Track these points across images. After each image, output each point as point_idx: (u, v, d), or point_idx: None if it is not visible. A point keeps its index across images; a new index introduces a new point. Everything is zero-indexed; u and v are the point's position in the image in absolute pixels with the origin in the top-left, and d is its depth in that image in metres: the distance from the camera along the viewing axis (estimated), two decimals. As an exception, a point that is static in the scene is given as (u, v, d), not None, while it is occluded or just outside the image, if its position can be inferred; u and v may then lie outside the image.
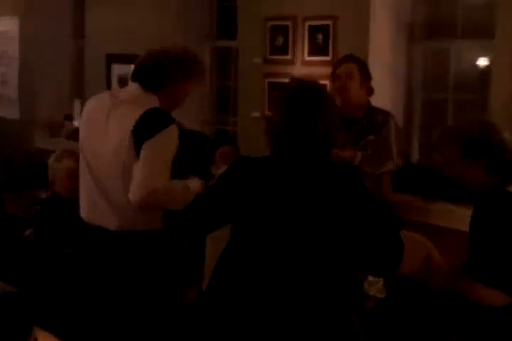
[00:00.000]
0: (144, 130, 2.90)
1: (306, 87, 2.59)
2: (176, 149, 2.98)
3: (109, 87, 6.44)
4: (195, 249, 3.81)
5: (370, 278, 3.21)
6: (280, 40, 5.34)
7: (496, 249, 2.51)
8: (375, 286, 3.20)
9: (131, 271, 3.03)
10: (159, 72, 3.06)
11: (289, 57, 5.29)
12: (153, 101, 3.03)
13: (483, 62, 4.62)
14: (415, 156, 4.94)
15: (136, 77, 3.10)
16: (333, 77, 4.14)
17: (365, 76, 4.10)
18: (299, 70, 5.22)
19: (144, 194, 2.83)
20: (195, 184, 3.04)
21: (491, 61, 4.42)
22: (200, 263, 3.91)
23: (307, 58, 5.16)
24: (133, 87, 3.09)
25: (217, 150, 4.68)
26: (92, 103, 3.18)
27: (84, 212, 3.16)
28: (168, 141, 2.93)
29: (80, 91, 7.13)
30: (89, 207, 3.12)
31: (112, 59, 6.49)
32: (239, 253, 2.53)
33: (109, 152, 2.98)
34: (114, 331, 3.05)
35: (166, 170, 2.92)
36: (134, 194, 2.86)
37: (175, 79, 3.08)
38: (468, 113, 4.68)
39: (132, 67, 3.15)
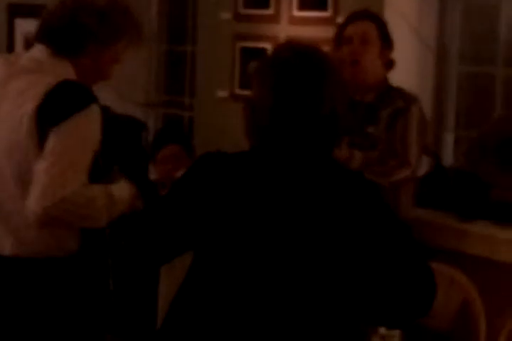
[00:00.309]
0: (51, 112, 2.88)
1: (303, 53, 2.56)
2: (98, 141, 2.98)
3: (11, 50, 6.41)
4: (135, 285, 3.86)
5: (383, 331, 3.19)
6: (259, -13, 5.40)
7: None
8: (388, 342, 3.19)
9: (29, 311, 3.05)
10: (76, 29, 3.06)
11: (270, 11, 5.32)
12: (65, 71, 3.03)
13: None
14: (449, 157, 5.00)
15: (43, 36, 3.09)
16: (339, 40, 4.13)
17: (386, 41, 4.10)
18: (284, 30, 5.25)
19: (49, 204, 2.82)
20: (122, 189, 3.07)
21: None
22: (151, 304, 3.93)
23: (296, 14, 5.20)
24: (38, 50, 3.09)
25: (159, 150, 4.68)
26: None
27: None
28: (85, 129, 2.93)
29: None
30: None
31: (15, 11, 6.46)
32: (204, 286, 2.52)
33: (1, 146, 2.99)
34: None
35: (81, 171, 2.91)
36: (35, 205, 2.84)
37: (98, 39, 3.08)
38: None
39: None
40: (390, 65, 4.14)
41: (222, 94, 5.58)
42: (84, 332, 3.13)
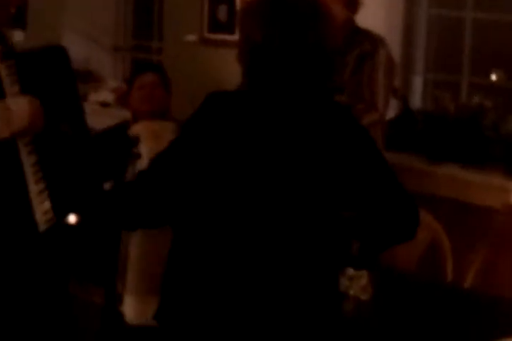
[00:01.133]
0: None
1: None
2: None
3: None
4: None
5: (351, 272, 3.20)
6: None
7: None
8: (356, 283, 3.19)
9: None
10: None
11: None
12: None
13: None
14: (417, 99, 5.02)
15: None
16: None
17: None
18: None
19: None
20: (19, 102, 3.05)
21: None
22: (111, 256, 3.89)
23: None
24: None
25: (135, 79, 4.63)
26: None
27: None
28: None
29: None
30: None
31: None
32: (199, 240, 2.54)
33: None
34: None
35: None
36: None
37: None
38: (493, 39, 4.76)
39: None
40: (354, 5, 4.12)
41: (191, 37, 5.53)
42: (50, 277, 3.16)
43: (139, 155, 3.69)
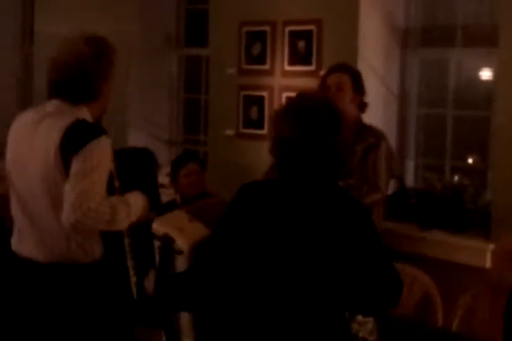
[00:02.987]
0: (71, 144, 2.87)
1: (318, 101, 2.62)
2: (109, 163, 2.95)
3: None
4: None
5: (360, 318, 3.19)
6: (257, 48, 5.39)
7: None
8: (364, 327, 3.18)
9: (65, 310, 2.98)
10: (84, 84, 3.00)
11: (267, 66, 5.33)
12: (79, 112, 2.99)
13: (486, 73, 4.69)
14: (410, 179, 4.99)
15: (55, 91, 3.03)
16: (321, 88, 4.14)
17: (359, 89, 4.12)
18: (278, 82, 5.26)
19: (79, 215, 2.80)
20: (135, 198, 3.04)
21: (495, 72, 4.47)
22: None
23: (287, 68, 5.20)
24: (58, 101, 3.02)
25: (180, 169, 4.68)
26: (17, 121, 3.13)
27: (14, 243, 3.12)
28: (99, 154, 2.90)
29: (27, 101, 7.15)
30: (18, 236, 3.09)
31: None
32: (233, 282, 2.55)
33: (35, 174, 2.95)
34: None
35: (101, 187, 2.89)
36: (68, 217, 2.82)
37: (107, 80, 3.05)
38: (470, 130, 4.74)
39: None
40: (363, 107, 4.15)
41: (230, 132, 5.54)
42: (113, 327, 3.09)
43: (181, 252, 3.41)
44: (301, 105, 2.59)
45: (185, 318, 3.59)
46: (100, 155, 2.90)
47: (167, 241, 3.40)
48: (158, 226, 3.41)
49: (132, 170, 3.19)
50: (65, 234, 2.91)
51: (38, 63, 6.99)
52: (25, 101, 7.16)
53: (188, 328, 3.57)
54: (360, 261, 2.50)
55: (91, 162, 2.86)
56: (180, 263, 3.35)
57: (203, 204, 3.78)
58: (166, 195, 4.57)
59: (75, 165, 2.85)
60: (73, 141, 2.87)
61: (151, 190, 3.22)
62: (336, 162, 2.57)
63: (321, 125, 2.53)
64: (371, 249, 2.52)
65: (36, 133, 2.98)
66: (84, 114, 2.99)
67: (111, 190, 2.96)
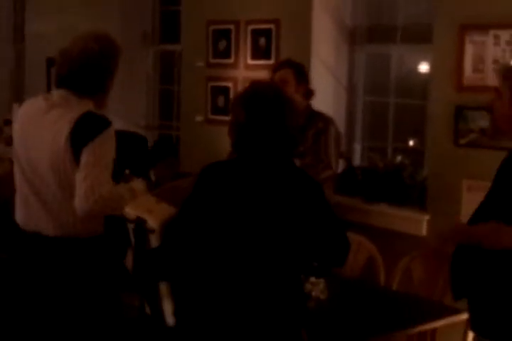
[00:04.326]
0: (82, 135, 2.79)
1: (269, 88, 2.61)
2: (114, 152, 2.88)
3: (49, 90, 6.33)
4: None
5: (313, 279, 3.22)
6: (223, 44, 5.38)
7: None
8: (317, 287, 3.21)
9: (69, 277, 2.93)
10: (99, 72, 2.92)
11: (231, 60, 5.32)
12: (87, 104, 2.90)
13: (423, 66, 4.71)
14: (357, 159, 5.00)
15: (66, 82, 2.90)
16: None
17: (301, 79, 4.08)
18: (242, 74, 5.25)
19: (92, 203, 2.74)
20: (139, 185, 2.99)
21: (431, 66, 4.50)
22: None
23: (250, 62, 5.20)
24: (64, 91, 2.91)
25: (159, 163, 4.66)
26: (25, 107, 3.03)
27: (19, 217, 3.03)
28: (108, 144, 2.83)
29: (20, 96, 7.04)
30: (25, 212, 3.00)
31: (52, 63, 6.35)
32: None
33: (44, 159, 2.86)
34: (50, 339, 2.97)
35: (109, 175, 2.82)
36: (82, 205, 2.76)
37: (112, 74, 2.97)
38: (409, 116, 4.76)
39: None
40: (309, 94, 4.12)
41: (199, 118, 5.53)
42: (107, 292, 3.04)
43: (153, 230, 3.48)
44: (251, 92, 2.59)
45: (164, 285, 3.61)
46: (109, 145, 2.83)
47: (139, 222, 3.31)
48: (130, 211, 3.30)
49: (128, 153, 3.17)
50: (72, 211, 2.83)
51: (29, 60, 6.91)
52: (19, 97, 7.04)
53: (167, 293, 3.56)
54: (314, 226, 2.51)
55: (100, 152, 2.78)
56: (154, 241, 3.35)
57: (167, 187, 3.76)
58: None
59: (86, 156, 2.77)
60: (84, 133, 2.78)
61: (144, 173, 3.19)
62: (286, 142, 2.55)
63: (269, 108, 2.52)
64: (323, 215, 2.53)
65: (44, 122, 2.87)
66: (90, 106, 2.90)
67: (114, 177, 2.90)
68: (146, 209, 3.33)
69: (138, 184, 3.00)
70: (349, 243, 2.59)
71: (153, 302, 3.56)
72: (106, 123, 2.84)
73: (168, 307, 3.47)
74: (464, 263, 2.58)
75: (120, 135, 2.98)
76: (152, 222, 3.23)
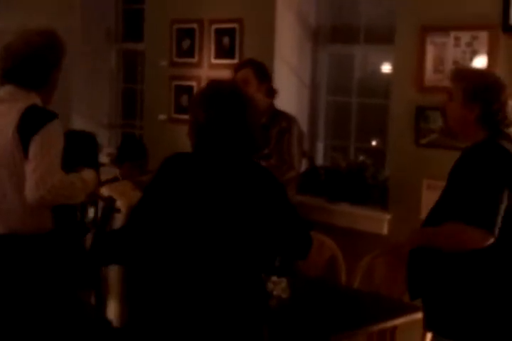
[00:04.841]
0: (28, 128, 2.81)
1: (227, 88, 2.60)
2: (62, 143, 2.90)
3: None
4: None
5: (274, 278, 3.22)
6: (187, 43, 5.36)
7: (477, 192, 2.47)
8: (278, 286, 3.22)
9: (19, 275, 2.92)
10: (42, 66, 2.93)
11: (195, 59, 5.31)
12: (32, 98, 2.92)
13: (385, 67, 4.75)
14: (320, 158, 5.02)
15: (8, 77, 2.93)
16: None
17: (263, 78, 4.08)
18: (205, 73, 5.24)
19: (44, 192, 2.76)
20: (89, 175, 3.02)
21: (393, 66, 4.54)
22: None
23: (214, 61, 5.19)
24: (10, 87, 2.93)
25: (129, 162, 4.62)
26: None
27: None
28: (55, 134, 2.86)
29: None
30: None
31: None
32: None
33: None
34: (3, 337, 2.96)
35: (58, 165, 2.85)
36: (33, 194, 2.77)
37: (56, 67, 2.98)
38: (371, 117, 4.79)
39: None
40: (271, 93, 4.12)
41: (162, 117, 5.52)
42: (61, 288, 3.04)
43: (119, 210, 3.64)
44: (209, 92, 2.58)
45: (113, 278, 3.64)
46: (56, 136, 2.87)
47: (109, 200, 3.64)
48: (105, 190, 3.71)
49: (77, 150, 3.17)
50: (21, 206, 2.85)
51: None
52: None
53: (116, 288, 3.60)
54: (275, 223, 2.52)
55: (49, 142, 2.82)
56: (118, 222, 3.53)
57: (146, 179, 3.82)
58: (107, 173, 4.52)
59: (35, 146, 2.80)
60: (31, 123, 2.82)
61: (93, 168, 3.18)
62: (246, 141, 2.54)
63: (228, 108, 2.51)
64: (284, 212, 2.54)
65: None
66: (36, 99, 2.93)
67: (65, 171, 2.91)
68: (121, 191, 3.78)
69: (88, 173, 3.03)
70: (311, 238, 2.60)
71: (100, 298, 3.60)
72: (51, 116, 2.87)
73: (114, 306, 3.53)
74: (419, 264, 2.63)
75: (68, 134, 3.01)
76: (121, 203, 3.69)
